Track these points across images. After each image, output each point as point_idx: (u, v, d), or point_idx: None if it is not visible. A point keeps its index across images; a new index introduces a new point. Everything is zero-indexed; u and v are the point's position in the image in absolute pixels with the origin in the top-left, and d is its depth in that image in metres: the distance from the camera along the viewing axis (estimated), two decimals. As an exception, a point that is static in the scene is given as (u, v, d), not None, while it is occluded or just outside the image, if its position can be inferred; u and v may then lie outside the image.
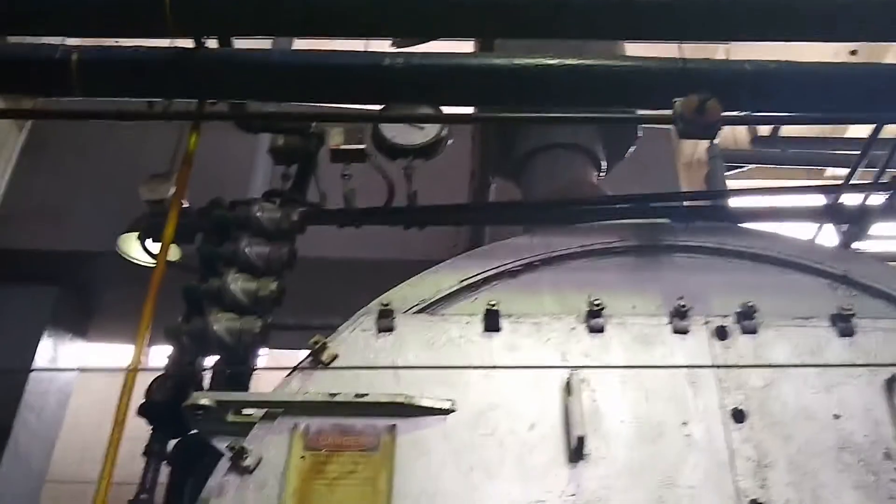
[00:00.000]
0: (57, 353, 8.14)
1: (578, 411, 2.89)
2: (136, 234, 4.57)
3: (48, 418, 8.07)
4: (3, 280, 7.55)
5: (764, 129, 10.28)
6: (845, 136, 10.12)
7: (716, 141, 8.63)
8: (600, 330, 3.19)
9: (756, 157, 10.12)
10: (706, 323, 3.21)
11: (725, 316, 3.23)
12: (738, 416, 2.97)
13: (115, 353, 9.33)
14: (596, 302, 3.23)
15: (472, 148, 6.05)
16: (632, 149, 5.50)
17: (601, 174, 5.24)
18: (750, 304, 3.21)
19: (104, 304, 8.44)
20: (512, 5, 3.58)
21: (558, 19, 3.56)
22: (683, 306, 3.20)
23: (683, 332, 3.19)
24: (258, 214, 3.64)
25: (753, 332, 3.19)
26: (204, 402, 2.85)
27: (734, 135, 10.29)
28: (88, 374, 10.28)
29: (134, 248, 6.49)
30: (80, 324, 8.53)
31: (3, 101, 4.06)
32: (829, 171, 10.29)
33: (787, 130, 10.12)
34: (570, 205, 4.12)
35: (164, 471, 3.47)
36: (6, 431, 7.31)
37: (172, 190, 4.14)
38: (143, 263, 5.86)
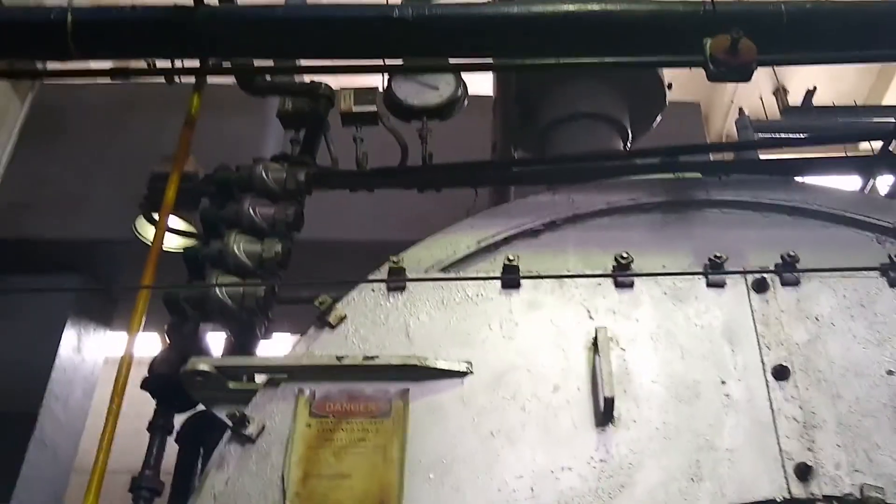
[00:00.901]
0: (81, 343, 8.06)
1: (607, 371, 2.68)
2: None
3: (74, 408, 7.99)
4: (24, 270, 7.48)
5: (795, 98, 9.93)
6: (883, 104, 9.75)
7: (746, 112, 8.35)
8: (629, 285, 2.97)
9: (788, 127, 9.77)
10: (744, 276, 2.96)
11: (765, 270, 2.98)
12: (781, 373, 2.74)
13: (139, 341, 9.24)
14: (623, 256, 3.00)
15: (493, 120, 5.84)
16: (658, 118, 5.26)
17: (627, 144, 5.02)
18: (791, 253, 2.97)
19: (127, 291, 8.34)
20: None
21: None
22: (719, 258, 2.96)
23: (719, 285, 2.96)
24: (263, 175, 3.46)
25: (795, 283, 2.95)
26: (203, 367, 2.67)
27: (764, 106, 9.96)
28: (114, 362, 10.20)
29: (150, 231, 6.35)
30: (103, 312, 8.44)
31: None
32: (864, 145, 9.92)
33: (819, 99, 9.76)
34: (596, 159, 3.88)
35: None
36: (32, 421, 7.24)
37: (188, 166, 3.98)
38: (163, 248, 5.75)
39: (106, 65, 3.62)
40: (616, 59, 3.49)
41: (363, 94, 4.05)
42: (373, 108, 3.97)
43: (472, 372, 2.77)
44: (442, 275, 3.06)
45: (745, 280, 2.97)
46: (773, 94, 9.92)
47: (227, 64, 3.83)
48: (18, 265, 7.28)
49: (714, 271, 2.99)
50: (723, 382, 2.74)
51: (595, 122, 4.85)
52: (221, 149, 4.94)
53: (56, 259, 7.71)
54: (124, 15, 3.52)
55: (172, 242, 4.28)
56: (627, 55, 3.67)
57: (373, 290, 2.96)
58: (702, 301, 2.94)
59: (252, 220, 3.32)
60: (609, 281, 2.99)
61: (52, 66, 3.80)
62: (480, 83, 5.43)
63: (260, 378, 2.82)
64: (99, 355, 8.41)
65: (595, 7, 3.52)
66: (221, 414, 2.69)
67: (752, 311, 2.89)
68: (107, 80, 7.83)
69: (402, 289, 2.96)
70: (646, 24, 3.54)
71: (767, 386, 2.72)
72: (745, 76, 3.17)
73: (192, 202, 3.66)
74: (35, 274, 7.54)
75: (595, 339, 2.79)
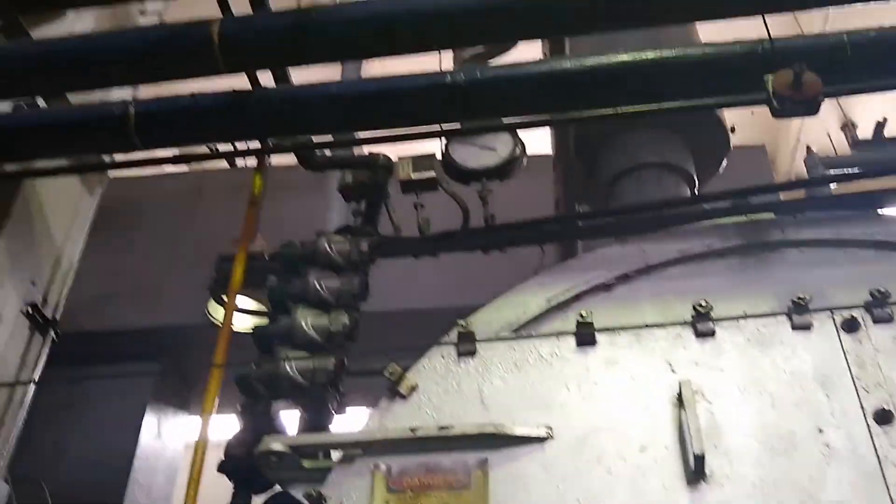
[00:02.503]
0: (161, 429, 8.15)
1: (694, 426, 2.54)
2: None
3: (157, 495, 8.04)
4: (104, 361, 7.66)
5: (864, 132, 9.65)
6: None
7: (814, 150, 8.13)
8: (710, 334, 2.84)
9: (859, 161, 9.46)
10: (831, 316, 2.81)
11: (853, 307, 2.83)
12: (884, 417, 2.57)
13: (219, 424, 9.30)
14: (702, 304, 2.88)
15: (554, 176, 5.79)
16: (724, 163, 5.15)
17: (695, 191, 4.91)
18: (881, 289, 2.81)
19: (204, 375, 8.43)
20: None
21: (624, 8, 3.28)
22: (802, 299, 2.82)
23: (806, 328, 2.80)
24: (326, 248, 3.45)
25: (889, 320, 2.78)
26: (276, 447, 2.63)
27: (832, 142, 9.70)
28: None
29: (221, 313, 6.43)
30: (181, 397, 8.55)
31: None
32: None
33: (890, 131, 9.46)
34: (664, 207, 3.78)
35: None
36: (118, 510, 7.30)
37: (254, 245, 4.03)
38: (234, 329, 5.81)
39: (170, 153, 3.69)
40: (675, 104, 3.41)
41: (421, 161, 4.05)
42: (431, 173, 3.97)
43: (552, 436, 2.67)
44: (513, 339, 2.97)
45: (834, 320, 2.82)
46: (841, 129, 9.66)
47: (286, 143, 3.88)
48: (98, 356, 7.45)
49: (799, 313, 2.84)
50: (820, 431, 2.58)
51: (659, 171, 4.78)
52: (287, 225, 5.00)
53: (134, 348, 7.87)
54: (184, 103, 3.59)
55: (244, 322, 4.31)
56: (687, 100, 3.60)
57: (443, 357, 2.90)
58: (788, 345, 2.80)
59: (318, 293, 3.31)
60: (689, 331, 2.87)
61: (119, 158, 3.91)
62: (538, 140, 5.41)
63: (335, 454, 2.76)
64: (179, 440, 8.50)
65: (650, 55, 3.46)
66: (298, 494, 2.63)
67: (844, 353, 2.73)
68: (174, 169, 8.11)
69: (473, 353, 2.89)
70: (703, 68, 3.46)
71: (870, 432, 2.55)
72: (812, 109, 3.06)
73: (260, 281, 3.68)
74: (114, 363, 7.70)
75: (679, 392, 2.66)
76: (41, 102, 4.26)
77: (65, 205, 4.85)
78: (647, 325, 2.93)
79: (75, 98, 4.08)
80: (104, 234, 7.43)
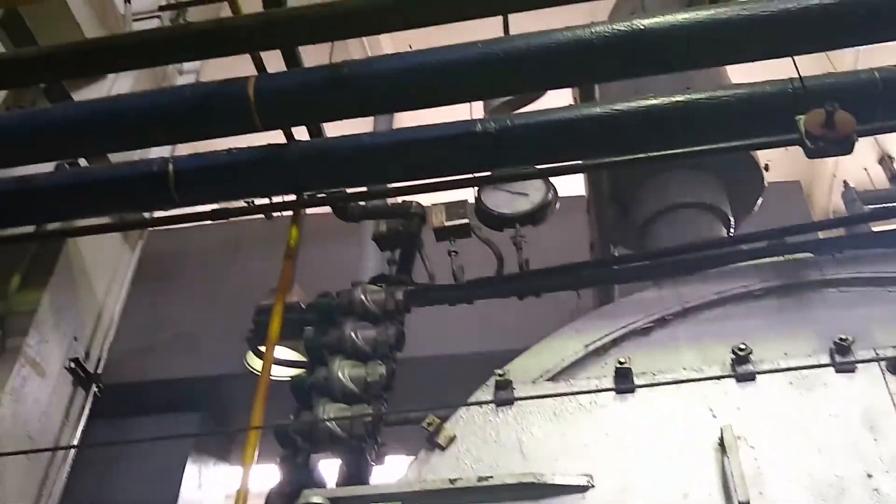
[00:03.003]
0: (202, 480, 8.17)
1: (738, 473, 2.50)
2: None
3: (200, 546, 8.04)
4: (145, 412, 7.72)
5: (903, 165, 9.52)
6: None
7: (851, 185, 8.04)
8: (751, 378, 2.80)
9: (899, 195, 9.32)
10: (876, 356, 2.76)
11: (898, 347, 2.77)
12: (935, 460, 2.49)
13: (259, 475, 9.30)
14: (742, 347, 2.85)
15: (588, 219, 5.79)
16: (759, 201, 5.11)
17: (730, 230, 4.88)
18: (927, 329, 2.75)
19: (243, 425, 8.46)
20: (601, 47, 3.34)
21: (656, 52, 3.29)
22: (845, 340, 2.77)
23: (849, 370, 2.75)
24: (362, 298, 3.48)
25: (937, 360, 2.72)
26: (315, 500, 2.62)
27: (870, 176, 9.58)
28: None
29: (259, 364, 6.47)
30: (221, 447, 8.58)
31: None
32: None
33: (929, 162, 9.33)
34: (699, 249, 3.76)
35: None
36: (159, 562, 7.32)
37: (291, 296, 4.07)
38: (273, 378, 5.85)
39: (209, 207, 3.76)
40: (707, 147, 3.40)
41: (454, 208, 4.08)
42: (465, 220, 4.00)
43: (593, 485, 2.63)
44: (551, 385, 2.96)
45: (879, 362, 2.76)
46: (879, 162, 9.54)
47: (321, 194, 3.93)
48: (139, 407, 7.52)
49: (843, 355, 2.79)
50: (869, 476, 2.51)
51: (694, 212, 4.76)
52: (323, 275, 5.05)
53: (174, 399, 7.94)
54: (221, 159, 3.66)
55: (282, 372, 4.33)
56: (718, 142, 3.59)
57: (481, 407, 2.88)
58: (832, 388, 2.75)
59: (354, 344, 3.33)
60: (729, 374, 2.83)
61: (158, 214, 3.98)
62: (571, 183, 5.42)
63: (375, 507, 2.74)
64: (220, 491, 8.50)
65: (680, 98, 3.45)
66: (339, 548, 2.62)
67: (891, 396, 2.67)
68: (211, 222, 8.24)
69: (511, 402, 2.87)
70: (734, 110, 3.44)
71: (923, 476, 2.48)
72: (846, 149, 3.03)
73: (297, 331, 3.71)
74: (155, 414, 7.76)
75: (721, 438, 2.62)
76: (82, 161, 4.38)
77: (106, 260, 4.94)
78: (685, 370, 2.89)
79: (115, 156, 4.18)
80: (143, 284, 7.55)
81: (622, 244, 5.38)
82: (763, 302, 3.24)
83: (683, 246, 3.99)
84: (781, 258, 3.47)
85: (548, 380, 3.05)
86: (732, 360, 2.86)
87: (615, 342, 3.16)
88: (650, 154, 3.50)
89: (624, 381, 2.86)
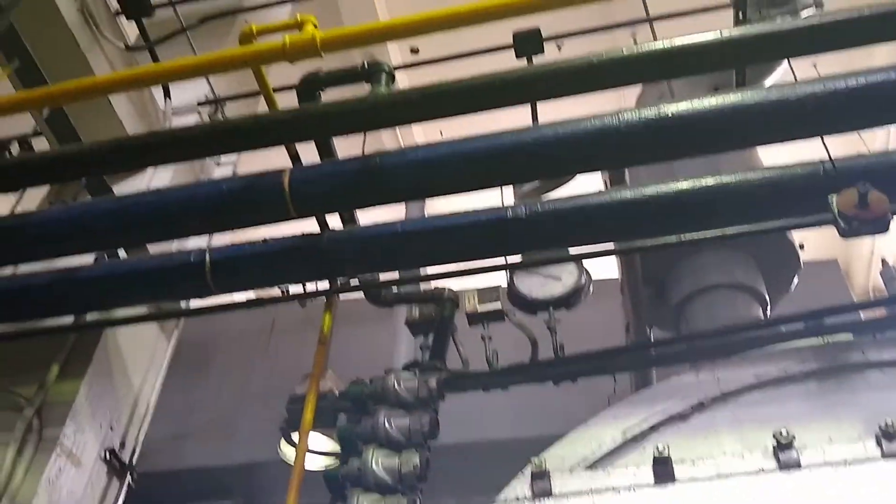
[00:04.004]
0: (237, 568, 8.05)
1: (785, 566, 2.41)
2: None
3: None
4: (179, 500, 7.67)
5: (943, 240, 9.38)
6: None
7: (890, 263, 7.92)
8: (795, 465, 2.72)
9: (940, 269, 9.16)
10: (925, 441, 2.68)
11: (947, 431, 2.69)
12: None
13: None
14: (783, 433, 2.78)
15: (623, 301, 5.76)
16: (795, 280, 5.07)
17: (767, 311, 4.83)
18: (977, 412, 2.68)
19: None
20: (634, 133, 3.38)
21: (684, 137, 3.32)
22: (891, 425, 2.70)
23: (897, 456, 2.67)
24: (395, 386, 3.47)
25: None
26: None
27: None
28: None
29: (293, 453, 6.42)
30: (257, 540, 8.45)
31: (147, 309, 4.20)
32: None
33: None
34: (737, 332, 3.71)
35: None
36: None
37: (325, 384, 4.07)
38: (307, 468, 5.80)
39: (244, 296, 3.81)
40: (739, 229, 3.40)
41: (487, 293, 4.09)
42: (498, 305, 4.00)
43: (636, 579, 2.55)
44: (589, 474, 2.90)
45: (927, 447, 2.68)
46: (917, 238, 9.40)
47: (354, 281, 3.96)
48: (172, 496, 7.46)
49: (889, 440, 2.71)
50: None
51: (730, 292, 4.72)
52: (357, 360, 5.04)
53: (208, 487, 7.88)
54: (257, 249, 3.72)
55: (316, 462, 4.30)
56: (750, 223, 3.58)
57: (517, 499, 2.83)
58: (880, 474, 2.66)
59: (388, 433, 3.31)
60: (772, 461, 2.76)
61: (195, 303, 4.03)
62: (605, 266, 5.41)
63: None
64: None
65: (710, 182, 3.45)
66: None
67: (944, 481, 2.58)
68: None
69: (549, 493, 2.82)
70: (765, 192, 3.43)
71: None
72: (881, 228, 3.00)
73: (331, 419, 3.69)
74: (188, 503, 7.71)
75: (769, 529, 2.54)
76: (121, 252, 4.46)
77: (143, 349, 4.98)
78: (725, 455, 2.83)
79: (153, 247, 4.26)
80: (178, 369, 7.59)
81: (657, 324, 5.34)
82: (804, 385, 3.19)
83: (720, 328, 3.95)
84: (821, 339, 3.40)
85: (586, 468, 2.99)
86: (774, 447, 2.79)
87: (653, 428, 3.11)
88: (682, 238, 3.50)
89: (663, 471, 2.79)
